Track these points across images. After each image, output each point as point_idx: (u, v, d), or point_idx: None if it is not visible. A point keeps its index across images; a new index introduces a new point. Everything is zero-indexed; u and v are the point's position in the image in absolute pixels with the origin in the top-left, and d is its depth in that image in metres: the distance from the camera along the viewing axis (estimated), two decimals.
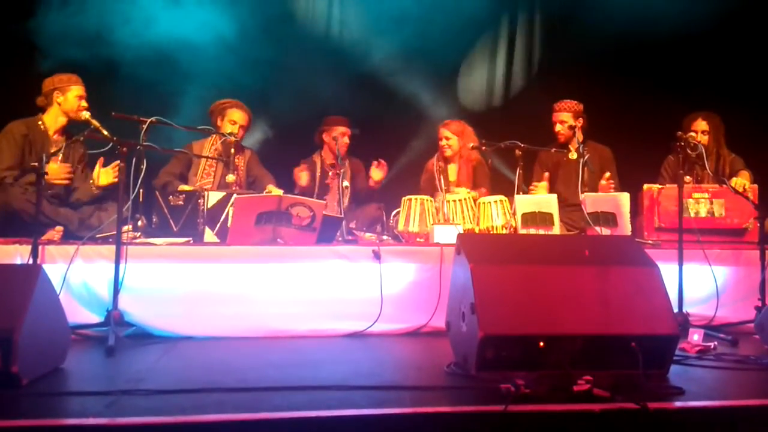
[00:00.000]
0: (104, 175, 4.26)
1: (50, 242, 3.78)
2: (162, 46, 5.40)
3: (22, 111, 4.51)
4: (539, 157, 5.46)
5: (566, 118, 5.16)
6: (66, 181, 4.29)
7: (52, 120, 4.45)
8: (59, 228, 4.09)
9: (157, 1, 5.56)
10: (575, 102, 5.19)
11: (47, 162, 3.71)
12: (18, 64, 5.27)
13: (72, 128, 4.49)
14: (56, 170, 4.22)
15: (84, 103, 4.39)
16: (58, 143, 4.43)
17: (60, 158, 4.31)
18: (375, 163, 5.28)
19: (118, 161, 4.10)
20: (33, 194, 3.81)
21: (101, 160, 4.24)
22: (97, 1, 5.44)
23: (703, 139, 4.91)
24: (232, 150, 4.89)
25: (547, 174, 5.07)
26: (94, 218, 4.23)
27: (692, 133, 4.85)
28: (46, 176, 3.98)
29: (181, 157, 4.92)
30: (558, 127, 5.18)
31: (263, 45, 5.68)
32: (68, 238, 4.05)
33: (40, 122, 4.44)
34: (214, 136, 4.93)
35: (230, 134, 4.80)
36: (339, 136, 5.25)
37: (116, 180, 4.16)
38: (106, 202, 4.32)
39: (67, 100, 4.41)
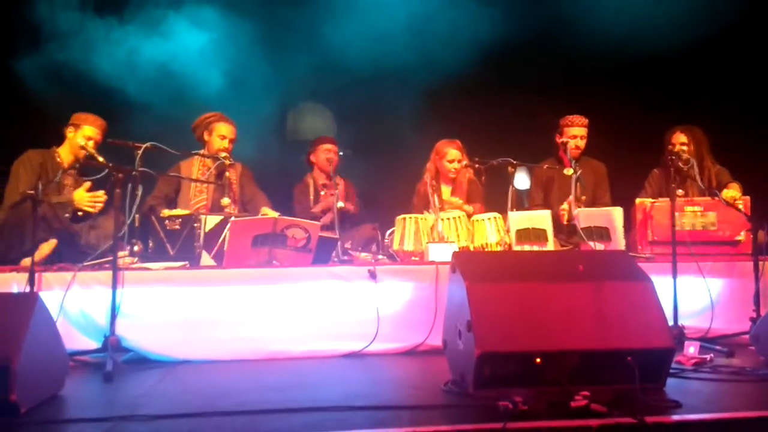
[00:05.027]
0: (84, 199, 4.26)
1: (47, 269, 3.77)
2: (150, 70, 5.46)
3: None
4: (534, 174, 5.50)
5: (583, 132, 5.23)
6: (93, 209, 4.29)
7: (66, 153, 4.56)
8: (53, 241, 4.08)
9: (141, 28, 5.63)
10: (583, 116, 5.26)
11: (42, 190, 3.72)
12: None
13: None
14: (84, 197, 4.26)
15: (90, 144, 4.41)
16: (72, 176, 4.54)
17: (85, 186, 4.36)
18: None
19: (102, 191, 4.21)
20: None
21: (89, 184, 4.28)
22: (84, 32, 5.49)
23: (684, 151, 4.94)
24: (227, 173, 4.91)
25: (571, 197, 4.85)
26: (92, 236, 4.24)
27: (683, 147, 4.92)
28: (74, 202, 4.21)
29: (169, 180, 4.89)
30: (575, 142, 5.20)
31: (252, 66, 5.75)
32: (64, 256, 4.06)
33: (56, 155, 4.54)
34: (202, 152, 4.94)
35: (224, 157, 4.81)
36: (324, 152, 5.39)
37: (92, 210, 4.25)
38: (101, 217, 4.35)
39: (75, 137, 4.50)
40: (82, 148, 4.37)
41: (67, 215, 4.30)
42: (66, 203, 4.30)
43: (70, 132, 4.52)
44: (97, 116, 4.56)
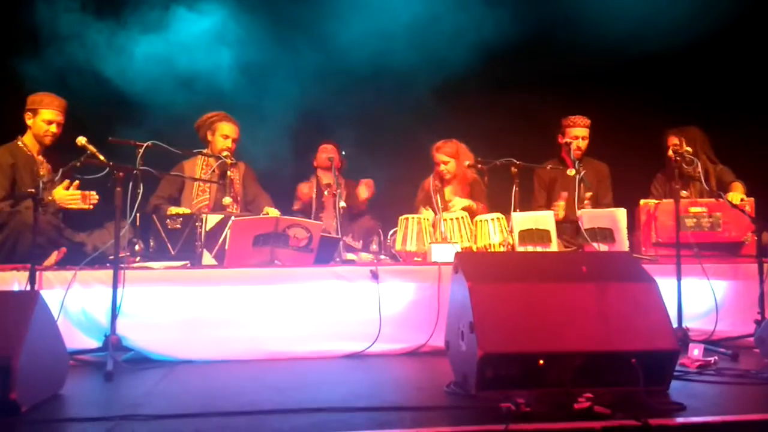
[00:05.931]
0: (65, 197, 4.09)
1: (47, 268, 3.77)
2: (154, 67, 5.45)
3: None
4: (537, 175, 5.48)
5: (585, 133, 5.22)
6: (76, 206, 4.13)
7: (32, 141, 4.39)
8: (63, 249, 4.03)
9: (145, 24, 5.62)
10: (584, 116, 5.25)
11: (44, 189, 3.68)
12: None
13: (62, 150, 4.40)
14: (64, 196, 4.10)
15: (53, 128, 4.28)
16: (43, 164, 4.40)
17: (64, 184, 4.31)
18: (362, 181, 5.39)
19: (76, 186, 4.09)
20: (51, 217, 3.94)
21: (66, 183, 4.11)
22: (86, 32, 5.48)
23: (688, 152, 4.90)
24: (229, 173, 4.90)
25: (565, 194, 4.98)
26: (99, 239, 4.22)
27: (688, 149, 4.89)
28: (56, 202, 4.04)
29: (172, 179, 4.88)
30: (577, 143, 5.19)
31: (256, 66, 5.75)
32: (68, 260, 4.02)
33: (21, 144, 4.37)
34: (205, 151, 4.92)
35: (226, 156, 4.80)
36: (323, 152, 5.50)
37: (71, 206, 4.10)
38: (108, 223, 4.32)
39: (35, 124, 4.34)
40: (80, 140, 4.26)
41: (53, 215, 4.20)
42: (50, 203, 4.10)
43: (29, 118, 4.32)
44: (54, 95, 4.36)
